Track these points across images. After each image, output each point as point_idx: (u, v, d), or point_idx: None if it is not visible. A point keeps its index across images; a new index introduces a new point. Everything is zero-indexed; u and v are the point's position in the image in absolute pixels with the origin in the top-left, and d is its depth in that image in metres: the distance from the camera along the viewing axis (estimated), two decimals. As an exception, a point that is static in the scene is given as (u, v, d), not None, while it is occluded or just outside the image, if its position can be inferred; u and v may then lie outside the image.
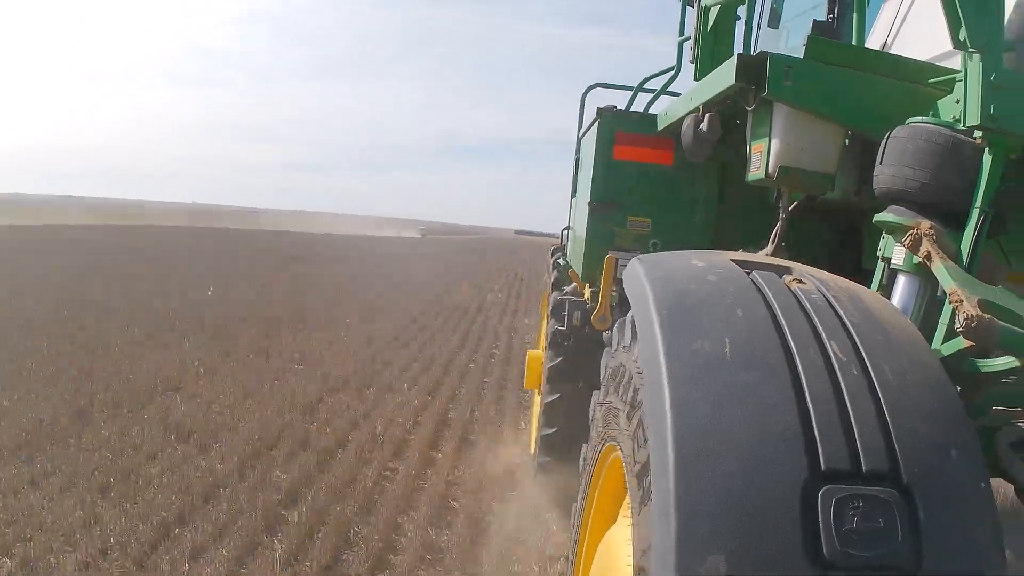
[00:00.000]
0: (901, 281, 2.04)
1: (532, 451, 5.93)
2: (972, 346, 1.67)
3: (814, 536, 1.13)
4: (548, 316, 5.37)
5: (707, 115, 2.98)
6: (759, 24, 4.70)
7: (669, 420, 1.26)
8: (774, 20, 4.72)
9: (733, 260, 1.70)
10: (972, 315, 1.60)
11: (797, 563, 1.11)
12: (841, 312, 1.49)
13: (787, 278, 1.61)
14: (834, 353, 1.37)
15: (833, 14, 3.93)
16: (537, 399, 5.87)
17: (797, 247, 3.01)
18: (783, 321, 1.43)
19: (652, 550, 1.21)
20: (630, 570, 1.55)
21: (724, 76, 2.63)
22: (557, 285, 5.55)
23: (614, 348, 2.20)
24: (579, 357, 4.61)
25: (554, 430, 4.89)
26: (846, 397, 1.29)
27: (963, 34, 1.87)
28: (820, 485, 1.17)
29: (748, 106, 2.65)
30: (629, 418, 1.71)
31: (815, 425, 1.24)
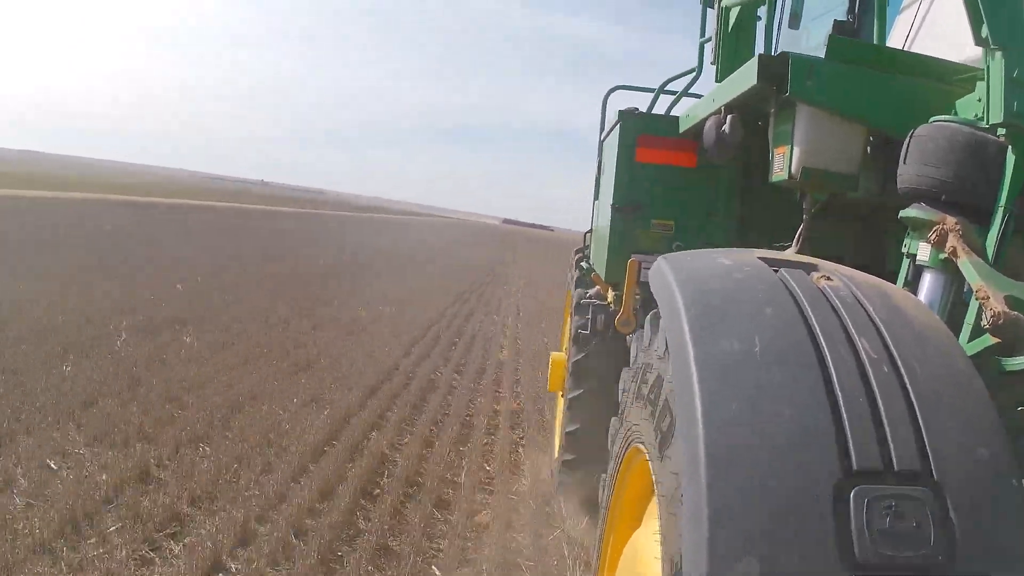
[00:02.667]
0: (927, 277, 2.02)
1: (555, 453, 5.93)
2: (998, 343, 1.66)
3: (847, 537, 1.12)
4: (572, 313, 5.38)
5: (729, 116, 2.98)
6: (779, 25, 4.69)
7: (700, 420, 1.25)
8: (794, 21, 4.71)
9: (760, 258, 1.69)
10: (999, 311, 1.59)
11: (830, 564, 1.10)
12: (870, 309, 1.48)
13: (815, 275, 1.60)
14: (864, 350, 1.36)
15: (853, 14, 3.92)
16: (560, 401, 5.87)
17: (820, 248, 2.99)
18: (812, 318, 1.42)
19: (684, 551, 1.20)
20: (657, 572, 1.55)
21: (746, 77, 2.63)
22: (580, 284, 5.55)
23: (640, 349, 2.20)
24: (603, 353, 4.61)
25: (578, 426, 4.88)
26: (877, 395, 1.28)
27: (985, 31, 1.86)
28: (853, 484, 1.16)
29: (770, 107, 2.64)
30: (657, 419, 1.70)
31: (847, 423, 1.23)
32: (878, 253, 3.05)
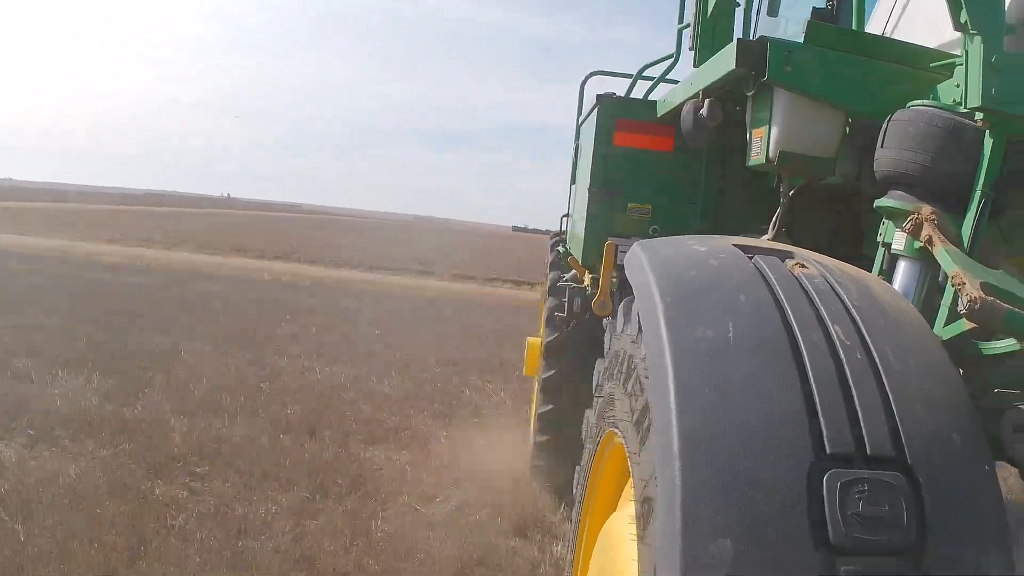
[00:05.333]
0: (902, 266, 2.04)
1: (530, 437, 5.96)
2: (974, 329, 1.67)
3: (820, 520, 1.13)
4: (546, 295, 5.39)
5: (707, 101, 2.97)
6: (758, 12, 4.70)
7: (673, 406, 1.26)
8: (773, 8, 4.71)
9: (735, 245, 1.70)
10: (975, 297, 1.60)
11: (803, 547, 1.11)
12: (844, 296, 1.49)
13: (789, 263, 1.61)
14: (838, 337, 1.37)
15: (832, 1, 3.93)
16: (536, 385, 5.90)
17: (796, 232, 3.00)
18: (786, 306, 1.43)
19: (658, 536, 1.21)
20: (633, 556, 1.55)
21: (724, 61, 2.62)
22: (555, 267, 5.55)
23: (615, 334, 2.20)
24: (577, 335, 4.63)
25: (551, 407, 4.89)
26: (850, 381, 1.29)
27: (963, 15, 1.86)
28: (826, 469, 1.17)
29: (748, 91, 2.64)
30: (631, 405, 1.70)
31: (820, 409, 1.24)
32: (854, 239, 3.07)
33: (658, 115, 3.76)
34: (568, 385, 4.74)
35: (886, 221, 2.14)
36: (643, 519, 1.41)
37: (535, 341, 6.06)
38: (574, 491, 2.67)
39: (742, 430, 1.21)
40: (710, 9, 3.90)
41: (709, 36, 3.85)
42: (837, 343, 1.36)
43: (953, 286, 1.70)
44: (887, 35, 2.97)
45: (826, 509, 1.13)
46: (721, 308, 1.42)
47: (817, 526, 1.12)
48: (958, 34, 1.96)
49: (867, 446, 1.21)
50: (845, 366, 1.32)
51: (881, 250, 2.17)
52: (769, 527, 1.13)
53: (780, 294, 1.46)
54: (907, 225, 1.95)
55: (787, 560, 1.11)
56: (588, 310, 4.02)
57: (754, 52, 2.43)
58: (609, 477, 2.29)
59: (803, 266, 1.60)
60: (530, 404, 7.04)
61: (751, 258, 1.61)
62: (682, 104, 3.26)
